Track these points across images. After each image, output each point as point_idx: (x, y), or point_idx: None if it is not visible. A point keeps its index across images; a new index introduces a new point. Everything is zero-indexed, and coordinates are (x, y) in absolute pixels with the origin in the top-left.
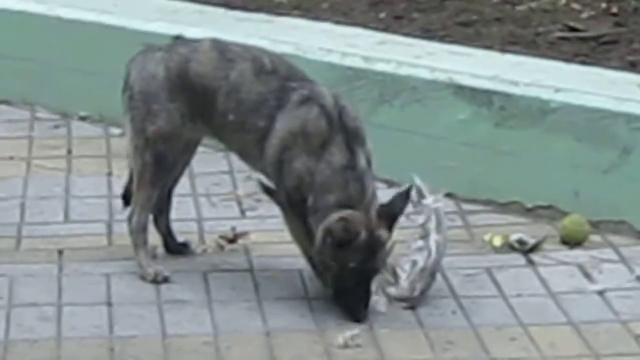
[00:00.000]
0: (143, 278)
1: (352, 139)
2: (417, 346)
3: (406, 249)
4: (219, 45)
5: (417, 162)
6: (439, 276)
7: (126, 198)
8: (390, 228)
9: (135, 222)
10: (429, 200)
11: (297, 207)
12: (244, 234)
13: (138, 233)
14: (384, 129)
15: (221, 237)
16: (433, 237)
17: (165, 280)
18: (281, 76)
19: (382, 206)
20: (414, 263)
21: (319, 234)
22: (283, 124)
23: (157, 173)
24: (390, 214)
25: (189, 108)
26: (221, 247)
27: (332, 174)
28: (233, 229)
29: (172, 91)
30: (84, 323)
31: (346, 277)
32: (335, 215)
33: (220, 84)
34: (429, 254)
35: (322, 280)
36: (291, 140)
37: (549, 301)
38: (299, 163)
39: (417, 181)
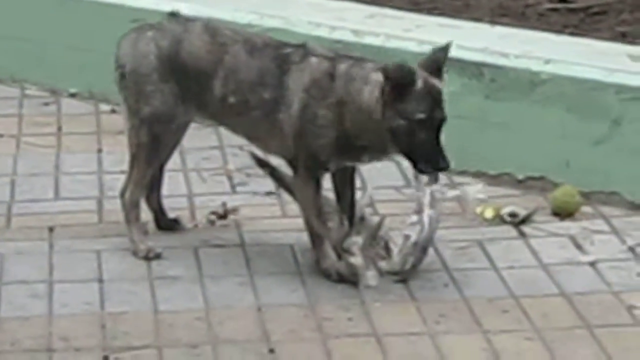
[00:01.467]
0: (135, 254)
1: None
2: (410, 319)
3: (399, 224)
4: (210, 28)
5: None
6: (430, 249)
7: None
8: (439, 77)
9: (128, 198)
10: (423, 178)
11: (318, 170)
12: (234, 209)
13: (130, 209)
14: None
15: (212, 212)
16: (427, 212)
17: (158, 256)
18: (273, 47)
19: (424, 59)
20: (407, 237)
21: (374, 91)
22: (295, 85)
23: (153, 152)
24: (434, 65)
25: (181, 89)
26: (212, 223)
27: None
28: (224, 204)
29: (163, 71)
30: (75, 300)
31: (417, 131)
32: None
33: (215, 68)
34: (422, 229)
35: (318, 252)
36: (308, 96)
37: (540, 273)
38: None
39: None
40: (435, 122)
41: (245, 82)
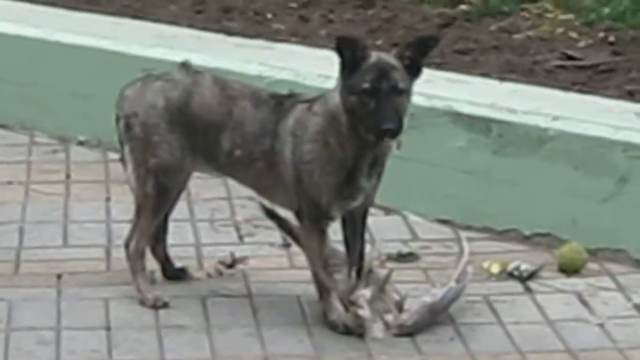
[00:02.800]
0: (142, 303)
1: None
2: None
3: (424, 292)
4: (220, 81)
5: (415, 189)
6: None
7: None
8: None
9: (133, 249)
10: (466, 250)
11: (321, 220)
12: (242, 259)
13: (136, 259)
14: None
15: (220, 262)
16: (450, 284)
17: (165, 305)
18: (275, 99)
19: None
20: (423, 302)
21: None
22: (284, 131)
23: (159, 204)
24: (420, 45)
25: (189, 141)
26: (220, 273)
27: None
28: (232, 254)
29: (171, 122)
30: (83, 347)
31: (365, 102)
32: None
33: (224, 121)
34: (441, 297)
35: (325, 304)
36: (294, 137)
37: (546, 329)
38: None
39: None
40: (381, 91)
41: (250, 134)
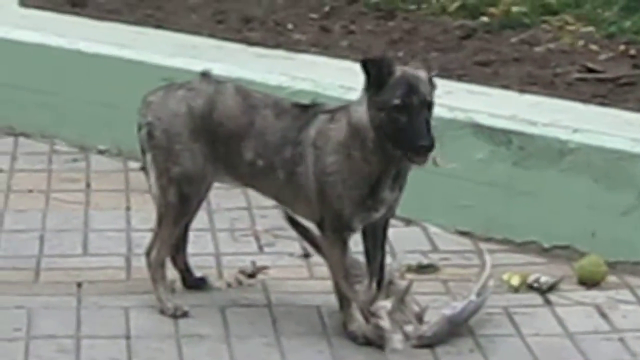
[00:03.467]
0: (162, 312)
1: None
2: None
3: (444, 304)
4: (242, 90)
5: (435, 201)
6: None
7: None
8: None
9: (154, 257)
10: (488, 264)
11: (344, 231)
12: (263, 268)
13: (156, 268)
14: None
15: (240, 271)
16: (471, 298)
17: (185, 314)
18: (298, 108)
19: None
20: (443, 315)
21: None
22: (306, 141)
23: (181, 212)
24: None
25: (211, 150)
26: (240, 282)
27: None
28: (253, 263)
29: (194, 131)
30: (103, 356)
31: (396, 119)
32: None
33: (246, 131)
34: (461, 310)
35: (345, 315)
36: (315, 148)
37: (566, 341)
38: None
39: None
40: (412, 107)
41: (271, 143)
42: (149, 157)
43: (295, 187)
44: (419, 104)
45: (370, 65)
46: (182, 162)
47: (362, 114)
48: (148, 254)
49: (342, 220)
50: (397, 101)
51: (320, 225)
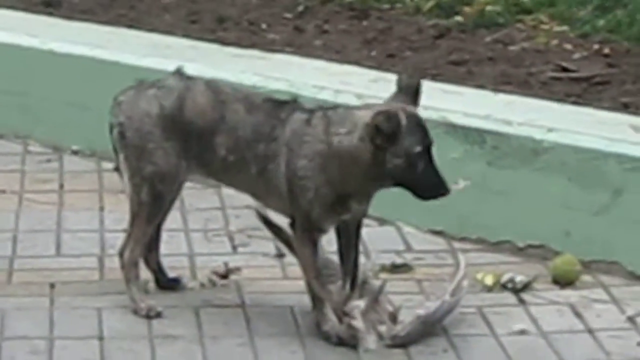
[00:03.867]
0: (135, 312)
1: None
2: None
3: (418, 304)
4: (213, 86)
5: (410, 200)
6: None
7: None
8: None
9: (127, 257)
10: (462, 264)
11: (313, 231)
12: (236, 269)
13: (130, 268)
14: None
15: (213, 272)
16: (444, 298)
17: (158, 315)
18: (270, 103)
19: (400, 89)
20: (418, 315)
21: (359, 137)
22: (280, 140)
23: (154, 211)
24: (410, 90)
25: (183, 147)
26: (213, 283)
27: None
28: (225, 264)
29: (166, 129)
30: (76, 357)
31: (416, 164)
32: (368, 115)
33: (217, 126)
34: (434, 310)
35: (318, 315)
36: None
37: (540, 340)
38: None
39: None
40: (429, 150)
41: (243, 139)
42: (121, 156)
43: (268, 183)
44: (431, 145)
45: (384, 124)
46: (155, 161)
47: (349, 144)
48: (121, 254)
49: (311, 221)
50: (418, 149)
51: (292, 223)
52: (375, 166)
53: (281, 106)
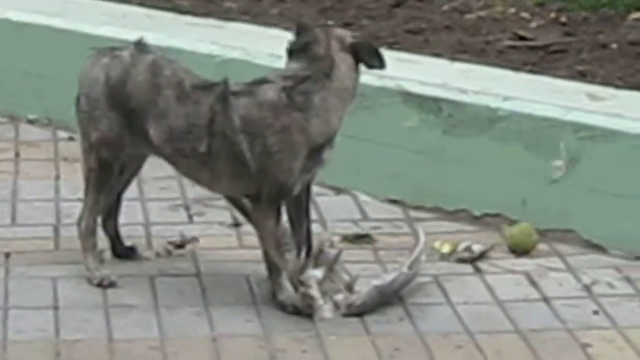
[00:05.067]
0: (90, 281)
1: None
2: (364, 353)
3: (375, 274)
4: (156, 66)
5: (365, 169)
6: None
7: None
8: None
9: (83, 226)
10: (422, 237)
11: (282, 199)
12: (192, 239)
13: (86, 237)
14: None
15: (169, 242)
16: (402, 270)
17: (112, 284)
18: (199, 91)
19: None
20: (373, 285)
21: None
22: (228, 128)
23: (103, 178)
24: None
25: (127, 121)
26: (169, 253)
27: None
28: (181, 234)
29: (109, 99)
30: (30, 326)
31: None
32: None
33: (150, 109)
34: (390, 281)
35: (274, 284)
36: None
37: (495, 309)
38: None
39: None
40: None
41: (177, 130)
42: (78, 124)
43: (213, 170)
44: None
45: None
46: (100, 128)
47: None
48: (79, 223)
49: (284, 189)
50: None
51: (252, 197)
52: (354, 88)
53: (207, 92)
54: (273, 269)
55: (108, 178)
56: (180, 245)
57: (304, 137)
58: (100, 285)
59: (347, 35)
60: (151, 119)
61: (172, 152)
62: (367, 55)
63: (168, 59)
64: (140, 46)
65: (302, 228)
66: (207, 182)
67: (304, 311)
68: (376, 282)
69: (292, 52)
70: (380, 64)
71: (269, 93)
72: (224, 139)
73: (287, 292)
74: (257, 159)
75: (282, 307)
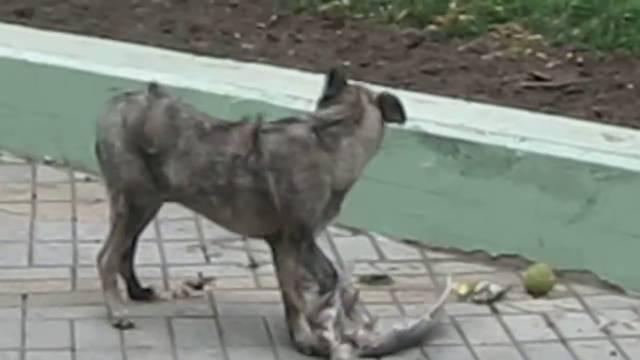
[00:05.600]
0: (109, 320)
1: None
2: None
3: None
4: (173, 109)
5: (382, 210)
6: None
7: None
8: None
9: (105, 262)
10: (449, 286)
11: (304, 240)
12: (210, 279)
13: (108, 272)
14: None
15: (187, 283)
16: (424, 317)
17: (130, 326)
18: (221, 130)
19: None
20: (393, 329)
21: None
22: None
23: (131, 223)
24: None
25: (147, 164)
26: (186, 294)
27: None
28: (199, 274)
29: (127, 142)
30: None
31: None
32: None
33: (171, 152)
34: (408, 325)
35: (292, 325)
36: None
37: (513, 350)
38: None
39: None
40: None
41: (198, 169)
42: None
43: (236, 209)
44: None
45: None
46: (121, 175)
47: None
48: (99, 259)
49: (306, 229)
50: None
51: (273, 236)
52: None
53: (229, 130)
54: (291, 310)
55: (138, 222)
56: (198, 286)
57: (330, 179)
58: (118, 326)
59: (374, 90)
60: (171, 161)
61: (193, 192)
62: (390, 107)
63: (183, 103)
64: (154, 89)
65: (321, 265)
66: (228, 220)
67: (321, 352)
68: (397, 326)
69: (325, 98)
70: (401, 118)
71: (299, 130)
72: (249, 175)
73: (305, 333)
74: (282, 196)
75: (300, 348)
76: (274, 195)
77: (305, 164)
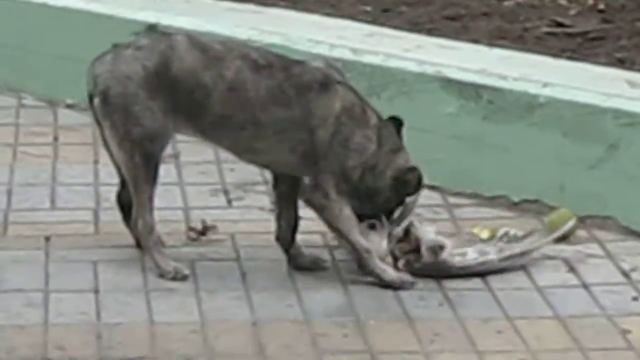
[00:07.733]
0: (162, 276)
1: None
2: (404, 338)
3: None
4: (197, 43)
5: None
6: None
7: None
8: None
9: (141, 226)
10: (545, 239)
11: (347, 188)
12: (212, 227)
13: (148, 234)
14: None
15: (190, 228)
16: (490, 257)
17: (185, 278)
18: (279, 67)
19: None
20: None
21: (388, 181)
22: (322, 111)
23: (150, 172)
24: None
25: (171, 104)
26: (191, 239)
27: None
28: (203, 221)
29: (151, 89)
30: (71, 309)
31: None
32: (403, 164)
33: (215, 83)
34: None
35: (373, 272)
36: (338, 123)
37: (534, 295)
38: (357, 138)
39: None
40: None
41: (254, 99)
42: (106, 124)
43: (282, 142)
44: None
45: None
46: (142, 122)
47: None
48: (135, 225)
49: (349, 179)
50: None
51: (318, 190)
52: None
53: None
54: (364, 256)
55: (155, 170)
56: (202, 233)
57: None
58: (174, 278)
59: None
60: (214, 93)
61: (237, 124)
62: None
63: (197, 35)
64: (153, 32)
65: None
66: (262, 150)
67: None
68: (454, 256)
69: None
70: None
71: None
72: (316, 119)
73: (388, 270)
74: (331, 145)
75: (396, 287)
76: (320, 142)
77: (364, 133)
